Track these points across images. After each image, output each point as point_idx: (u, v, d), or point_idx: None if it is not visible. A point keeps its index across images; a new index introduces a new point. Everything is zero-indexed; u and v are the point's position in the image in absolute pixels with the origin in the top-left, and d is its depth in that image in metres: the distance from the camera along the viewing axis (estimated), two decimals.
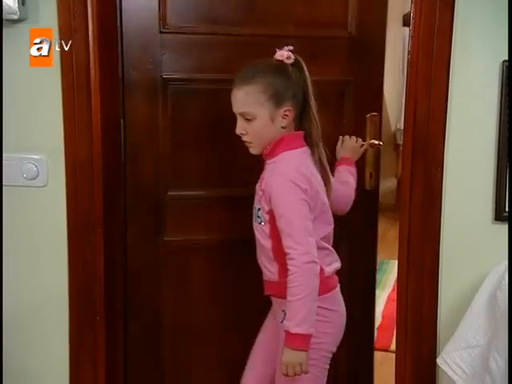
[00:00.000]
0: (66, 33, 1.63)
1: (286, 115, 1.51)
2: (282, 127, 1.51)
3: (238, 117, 1.52)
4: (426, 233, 1.55)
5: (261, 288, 1.71)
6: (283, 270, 1.48)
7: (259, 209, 1.53)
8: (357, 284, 1.82)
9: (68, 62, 1.65)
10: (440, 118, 1.51)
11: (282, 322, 1.47)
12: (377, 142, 1.79)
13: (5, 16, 1.61)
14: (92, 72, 1.65)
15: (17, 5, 1.59)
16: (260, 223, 1.53)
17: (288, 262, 1.45)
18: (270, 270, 1.54)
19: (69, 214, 1.71)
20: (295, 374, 1.42)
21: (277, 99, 1.49)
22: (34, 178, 1.71)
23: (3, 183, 1.73)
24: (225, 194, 1.83)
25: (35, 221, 1.74)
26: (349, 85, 1.79)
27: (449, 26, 1.48)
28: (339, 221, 1.70)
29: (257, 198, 1.55)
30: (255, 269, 1.73)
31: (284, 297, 1.46)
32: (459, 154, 1.52)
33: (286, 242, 1.45)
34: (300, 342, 1.42)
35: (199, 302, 1.86)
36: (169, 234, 1.84)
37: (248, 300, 1.81)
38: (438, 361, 1.41)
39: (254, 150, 1.56)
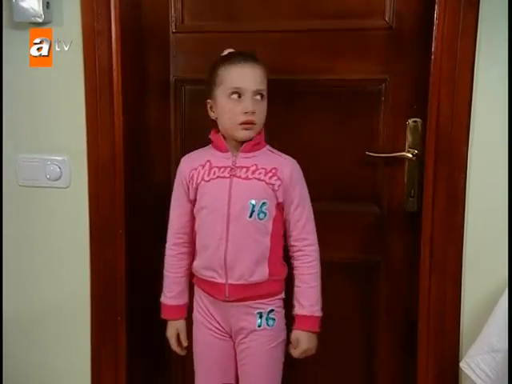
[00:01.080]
0: (89, 35, 1.65)
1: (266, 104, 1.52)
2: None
3: (249, 94, 1.45)
4: (449, 237, 1.53)
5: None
6: (274, 267, 1.50)
7: (264, 203, 1.47)
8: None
9: (91, 64, 1.67)
10: (463, 121, 1.49)
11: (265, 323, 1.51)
12: None
13: (29, 19, 1.64)
14: (115, 74, 1.67)
15: (41, 8, 1.62)
16: (262, 219, 1.47)
17: (307, 248, 1.52)
18: (259, 270, 1.48)
19: (91, 214, 1.73)
20: None
21: (267, 87, 1.51)
22: (57, 179, 1.74)
23: (27, 184, 1.76)
24: None
25: (58, 221, 1.76)
26: (385, 85, 1.63)
27: (473, 26, 1.45)
28: (377, 247, 1.70)
29: (262, 190, 1.47)
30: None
31: (270, 295, 1.51)
32: (483, 157, 1.50)
33: (307, 228, 1.51)
34: (320, 324, 1.51)
35: None
36: None
37: None
38: (462, 365, 1.39)
39: (252, 133, 1.48)
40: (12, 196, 1.77)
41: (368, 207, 1.70)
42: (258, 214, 1.47)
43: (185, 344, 1.61)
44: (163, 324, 1.63)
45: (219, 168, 1.50)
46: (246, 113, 1.45)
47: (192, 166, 1.53)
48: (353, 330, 1.76)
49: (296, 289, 1.52)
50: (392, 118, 1.64)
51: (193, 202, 1.54)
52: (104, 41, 1.65)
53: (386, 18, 1.61)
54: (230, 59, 1.48)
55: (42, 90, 1.71)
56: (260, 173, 1.48)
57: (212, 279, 1.51)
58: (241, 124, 1.46)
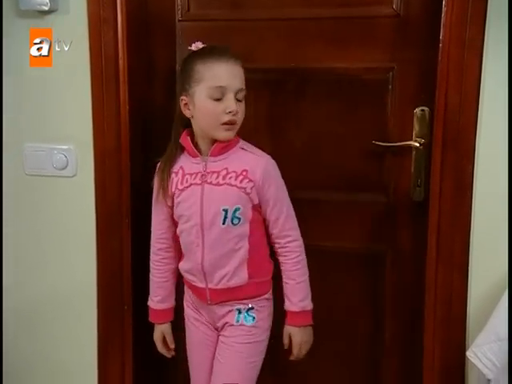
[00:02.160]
0: (95, 23, 1.64)
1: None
2: None
3: (232, 94, 1.39)
4: (456, 226, 1.52)
5: None
6: (255, 269, 1.48)
7: (237, 208, 1.43)
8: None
9: (97, 52, 1.66)
10: (472, 109, 1.48)
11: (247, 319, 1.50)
12: None
13: (35, 7, 1.64)
14: (121, 62, 1.66)
15: None
16: (236, 224, 1.43)
17: (291, 244, 1.49)
18: (238, 274, 1.46)
19: (97, 203, 1.73)
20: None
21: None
22: (63, 168, 1.74)
23: (33, 173, 1.77)
24: None
25: (64, 210, 1.76)
26: (392, 73, 1.61)
27: (482, 13, 1.43)
28: (383, 237, 1.70)
29: (234, 196, 1.43)
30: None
31: (253, 296, 1.50)
32: (491, 146, 1.48)
33: (289, 225, 1.49)
34: (311, 317, 1.52)
35: None
36: None
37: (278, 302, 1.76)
38: (468, 354, 1.39)
39: (232, 134, 1.43)
40: (19, 185, 1.78)
41: (375, 196, 1.69)
42: (232, 220, 1.43)
43: (171, 346, 1.62)
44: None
45: (191, 175, 1.46)
46: (229, 112, 1.39)
47: (167, 173, 1.50)
48: (359, 318, 1.75)
49: (284, 285, 1.51)
50: (399, 107, 1.62)
51: (171, 208, 1.51)
52: (110, 29, 1.65)
53: (394, 6, 1.59)
54: (210, 54, 1.40)
55: (45, 78, 1.71)
56: (231, 177, 1.43)
57: (194, 283, 1.52)
58: (223, 124, 1.40)
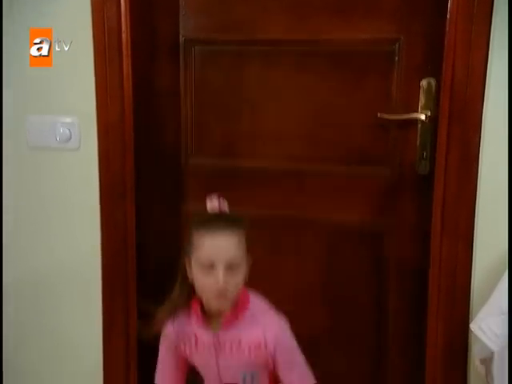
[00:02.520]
0: None
1: (248, 266, 1.40)
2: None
3: (220, 267, 1.32)
4: (462, 198, 1.51)
5: (298, 269, 1.74)
6: None
7: (255, 372, 1.43)
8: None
9: (100, 25, 1.65)
10: (479, 80, 1.45)
11: None
12: None
13: None
14: (123, 35, 1.65)
15: None
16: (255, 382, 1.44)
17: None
18: None
19: (101, 176, 1.72)
20: None
21: (248, 250, 1.39)
22: (67, 141, 1.73)
23: (37, 146, 1.76)
24: (249, 165, 1.78)
25: (68, 183, 1.76)
26: (399, 44, 1.59)
27: None
28: (388, 210, 1.68)
29: (249, 365, 1.42)
30: (286, 246, 1.76)
31: None
32: (497, 117, 1.46)
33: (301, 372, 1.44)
34: None
35: None
36: (190, 204, 1.82)
37: (279, 280, 1.78)
38: (472, 326, 1.39)
39: (226, 304, 1.38)
40: (22, 158, 1.78)
41: (380, 170, 1.68)
42: (252, 381, 1.44)
43: None
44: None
45: (204, 344, 1.43)
46: (218, 288, 1.34)
47: (179, 336, 1.46)
48: (363, 293, 1.75)
49: None
50: (405, 79, 1.61)
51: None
52: (113, 4, 1.63)
53: None
54: (205, 225, 1.37)
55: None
56: (244, 350, 1.41)
57: None
58: (214, 297, 1.36)
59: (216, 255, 1.33)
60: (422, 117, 1.59)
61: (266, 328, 1.41)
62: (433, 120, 1.57)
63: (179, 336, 1.45)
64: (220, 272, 1.32)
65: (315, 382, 1.46)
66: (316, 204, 1.72)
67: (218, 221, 1.37)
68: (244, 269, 1.37)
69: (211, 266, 1.33)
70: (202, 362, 1.46)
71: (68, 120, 1.72)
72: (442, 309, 1.55)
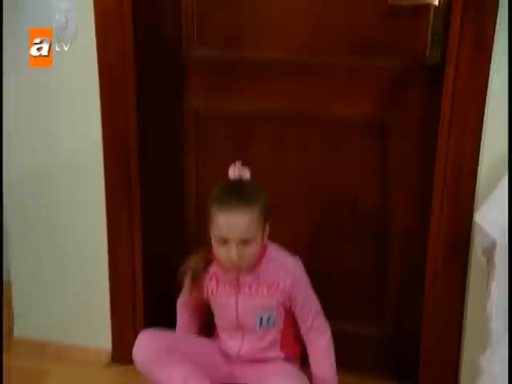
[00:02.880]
0: None
1: (266, 231, 1.50)
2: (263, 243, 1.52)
3: (235, 242, 1.42)
4: (472, 89, 1.46)
5: (299, 165, 1.72)
6: (285, 350, 1.60)
7: (271, 315, 1.54)
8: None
9: None
10: None
11: None
12: None
13: None
14: None
15: None
16: (270, 325, 1.55)
17: (319, 339, 1.56)
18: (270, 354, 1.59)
19: (100, 65, 1.67)
20: None
21: (266, 217, 1.48)
22: (63, 29, 1.67)
23: None
24: (252, 57, 1.71)
25: (66, 73, 1.71)
26: None
27: None
28: (395, 104, 1.62)
29: (267, 305, 1.53)
30: (288, 142, 1.73)
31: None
32: None
33: (317, 323, 1.56)
34: None
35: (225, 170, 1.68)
36: (192, 99, 1.78)
37: (280, 177, 1.76)
38: (475, 217, 1.38)
39: (242, 271, 1.50)
40: (17, 41, 1.70)
41: (387, 60, 1.61)
42: (268, 323, 1.55)
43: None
44: (179, 178, 1.58)
45: (224, 284, 1.55)
46: (231, 261, 1.45)
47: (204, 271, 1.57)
48: (365, 189, 1.73)
49: (312, 360, 1.58)
50: None
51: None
52: None
53: None
54: (219, 201, 1.43)
55: None
56: (262, 290, 1.52)
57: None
58: (229, 266, 1.48)
59: (229, 233, 1.42)
60: (435, 2, 1.50)
61: (283, 270, 1.52)
62: (446, 5, 1.48)
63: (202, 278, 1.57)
64: (233, 248, 1.42)
65: (330, 334, 1.58)
66: (319, 98, 1.66)
67: (233, 199, 1.43)
68: (259, 238, 1.46)
69: (225, 241, 1.43)
70: (222, 302, 1.56)
71: (64, 5, 1.64)
72: (447, 201, 1.53)
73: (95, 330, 1.90)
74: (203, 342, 1.66)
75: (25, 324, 1.96)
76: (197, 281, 1.57)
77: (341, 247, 1.79)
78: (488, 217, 1.36)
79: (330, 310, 1.81)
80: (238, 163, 1.49)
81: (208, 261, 1.56)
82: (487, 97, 1.46)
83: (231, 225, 1.42)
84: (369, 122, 1.68)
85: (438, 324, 1.62)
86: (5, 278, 1.97)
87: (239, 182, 1.48)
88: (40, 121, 1.78)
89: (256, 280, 1.52)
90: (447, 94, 1.48)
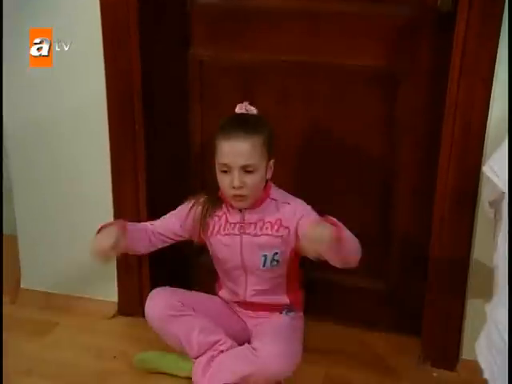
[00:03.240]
0: None
1: (271, 167, 1.54)
2: (267, 179, 1.54)
3: (237, 170, 1.47)
4: (484, 37, 1.42)
5: (306, 116, 1.70)
6: (290, 295, 1.62)
7: (276, 253, 1.55)
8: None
9: None
10: None
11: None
12: None
13: None
14: None
15: None
16: (274, 266, 1.57)
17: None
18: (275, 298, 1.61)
19: (102, 5, 1.63)
20: None
21: (270, 150, 1.51)
22: None
23: None
24: (259, 5, 1.66)
25: (69, 26, 1.68)
26: None
27: None
28: (404, 54, 1.59)
29: (271, 244, 1.54)
30: (296, 93, 1.70)
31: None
32: None
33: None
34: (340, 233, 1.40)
35: None
36: (197, 49, 1.75)
37: (286, 128, 1.74)
38: (484, 168, 1.37)
39: (245, 204, 1.53)
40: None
41: (398, 8, 1.58)
42: (271, 263, 1.56)
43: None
44: (184, 127, 1.54)
45: (231, 224, 1.57)
46: (233, 187, 1.48)
47: (212, 210, 1.59)
48: (374, 142, 1.72)
49: None
50: None
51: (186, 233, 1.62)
52: None
53: None
54: (224, 130, 1.49)
55: None
56: (267, 227, 1.54)
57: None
58: (232, 196, 1.51)
59: (231, 160, 1.47)
60: None
61: (287, 207, 1.55)
62: None
63: (210, 213, 1.59)
64: (235, 175, 1.46)
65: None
66: (327, 47, 1.64)
67: (237, 127, 1.48)
68: (262, 170, 1.50)
69: (228, 169, 1.47)
70: (228, 240, 1.58)
71: None
72: (455, 153, 1.51)
73: (101, 283, 1.92)
74: (209, 296, 1.69)
75: (32, 277, 1.98)
76: (208, 214, 1.58)
77: (346, 198, 1.79)
78: (496, 168, 1.34)
79: None
80: (246, 102, 1.53)
81: (219, 200, 1.58)
82: (499, 47, 1.42)
83: (234, 152, 1.46)
84: (377, 73, 1.65)
85: (443, 274, 1.62)
86: (11, 231, 1.98)
87: (244, 114, 1.53)
88: (45, 76, 1.75)
89: (261, 219, 1.55)
90: (458, 44, 1.45)
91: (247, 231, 1.56)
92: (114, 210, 1.82)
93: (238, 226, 1.56)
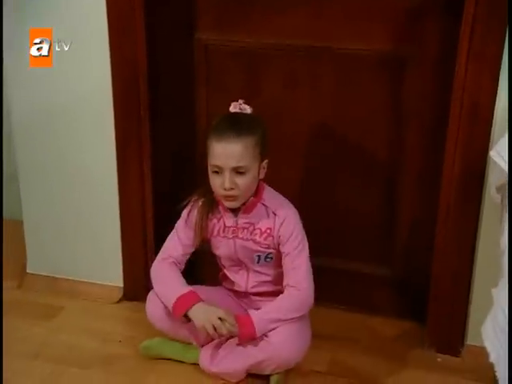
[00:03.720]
0: None
1: (264, 167, 1.54)
2: (259, 179, 1.55)
3: (228, 171, 1.46)
4: (493, 24, 1.40)
5: (312, 101, 1.68)
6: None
7: (269, 253, 1.58)
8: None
9: None
10: None
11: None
12: None
13: None
14: None
15: None
16: (269, 261, 1.60)
17: (297, 292, 1.53)
18: (279, 287, 1.59)
19: (108, 3, 1.63)
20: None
21: (263, 151, 1.51)
22: None
23: None
24: None
25: (75, 15, 1.68)
26: None
27: None
28: (411, 38, 1.57)
29: (260, 248, 1.57)
30: (302, 78, 1.69)
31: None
32: None
33: (299, 276, 1.54)
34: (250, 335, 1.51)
35: None
36: (202, 33, 1.74)
37: (292, 112, 1.73)
38: (491, 153, 1.36)
39: (236, 204, 1.53)
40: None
41: None
42: (265, 259, 1.60)
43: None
44: (190, 112, 1.52)
45: (227, 228, 1.59)
46: (224, 188, 1.48)
47: (209, 213, 1.60)
48: (381, 126, 1.71)
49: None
50: None
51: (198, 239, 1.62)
52: None
53: None
54: (216, 131, 1.48)
55: None
56: (256, 234, 1.57)
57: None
58: (223, 196, 1.51)
59: (223, 161, 1.47)
60: None
61: (277, 218, 1.56)
62: None
63: (206, 215, 1.60)
64: (226, 176, 1.46)
65: (304, 295, 1.55)
66: (334, 31, 1.62)
67: (228, 128, 1.47)
68: (254, 171, 1.50)
69: (220, 170, 1.48)
70: (224, 242, 1.61)
71: None
72: (462, 137, 1.50)
73: (107, 268, 1.92)
74: (213, 287, 1.70)
75: (38, 261, 1.99)
76: (206, 217, 1.59)
77: (352, 183, 1.78)
78: (504, 153, 1.33)
79: (340, 250, 1.83)
80: (241, 100, 1.52)
81: (215, 202, 1.59)
82: (507, 32, 1.41)
83: (225, 153, 1.46)
84: (384, 57, 1.64)
85: (449, 260, 1.62)
86: (16, 216, 1.99)
87: (237, 114, 1.52)
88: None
89: (251, 224, 1.57)
90: (466, 28, 1.44)
91: (239, 235, 1.58)
92: (119, 195, 1.82)
93: (231, 229, 1.59)
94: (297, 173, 1.76)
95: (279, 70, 1.72)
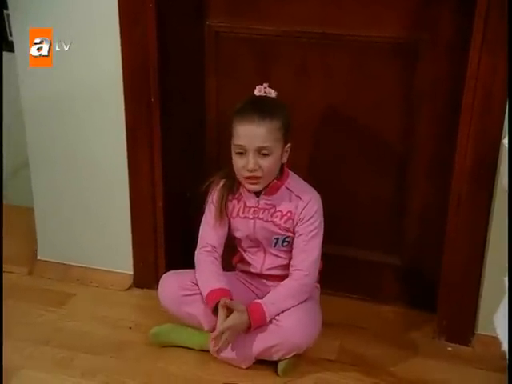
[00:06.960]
0: None
1: (287, 151, 1.55)
2: (282, 163, 1.57)
3: (252, 152, 1.49)
4: (507, 9, 1.37)
5: (324, 89, 1.68)
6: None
7: (287, 236, 1.60)
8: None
9: None
10: None
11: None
12: None
13: None
14: None
15: None
16: (285, 246, 1.62)
17: (300, 276, 1.57)
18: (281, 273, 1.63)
19: None
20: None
21: (286, 135, 1.53)
22: None
23: None
24: None
25: (86, 1, 1.68)
26: None
27: None
28: (424, 24, 1.56)
29: (279, 231, 1.59)
30: (314, 66, 1.68)
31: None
32: None
33: (308, 262, 1.57)
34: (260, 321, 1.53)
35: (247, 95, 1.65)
36: (213, 20, 1.74)
37: (304, 101, 1.73)
38: (505, 141, 1.35)
39: (259, 187, 1.55)
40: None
41: None
42: (282, 243, 1.61)
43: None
44: (200, 102, 1.52)
45: (247, 208, 1.61)
46: (248, 169, 1.50)
47: (229, 194, 1.62)
48: (393, 114, 1.70)
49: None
50: None
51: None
52: None
53: None
54: (240, 113, 1.51)
55: None
56: (277, 216, 1.59)
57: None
58: (245, 178, 1.53)
59: (247, 142, 1.49)
60: None
61: (299, 202, 1.57)
62: None
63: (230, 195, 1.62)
64: (250, 157, 1.49)
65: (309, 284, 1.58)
66: (346, 18, 1.61)
67: (253, 110, 1.49)
68: (277, 154, 1.52)
69: (244, 151, 1.50)
70: (244, 222, 1.62)
71: None
72: (475, 125, 1.49)
73: (117, 255, 1.93)
74: (226, 273, 1.68)
75: (49, 248, 2.00)
76: (227, 199, 1.61)
77: (363, 170, 1.78)
78: None
79: (351, 238, 1.83)
80: (266, 84, 1.54)
81: (237, 183, 1.60)
82: None
83: (250, 134, 1.49)
84: (397, 44, 1.63)
85: (459, 249, 1.61)
86: (27, 204, 2.00)
87: (262, 97, 1.54)
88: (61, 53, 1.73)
89: (273, 206, 1.59)
90: (480, 15, 1.42)
91: (260, 216, 1.60)
92: (129, 182, 1.82)
93: (252, 210, 1.60)
94: (307, 160, 1.75)
95: (291, 58, 1.71)
